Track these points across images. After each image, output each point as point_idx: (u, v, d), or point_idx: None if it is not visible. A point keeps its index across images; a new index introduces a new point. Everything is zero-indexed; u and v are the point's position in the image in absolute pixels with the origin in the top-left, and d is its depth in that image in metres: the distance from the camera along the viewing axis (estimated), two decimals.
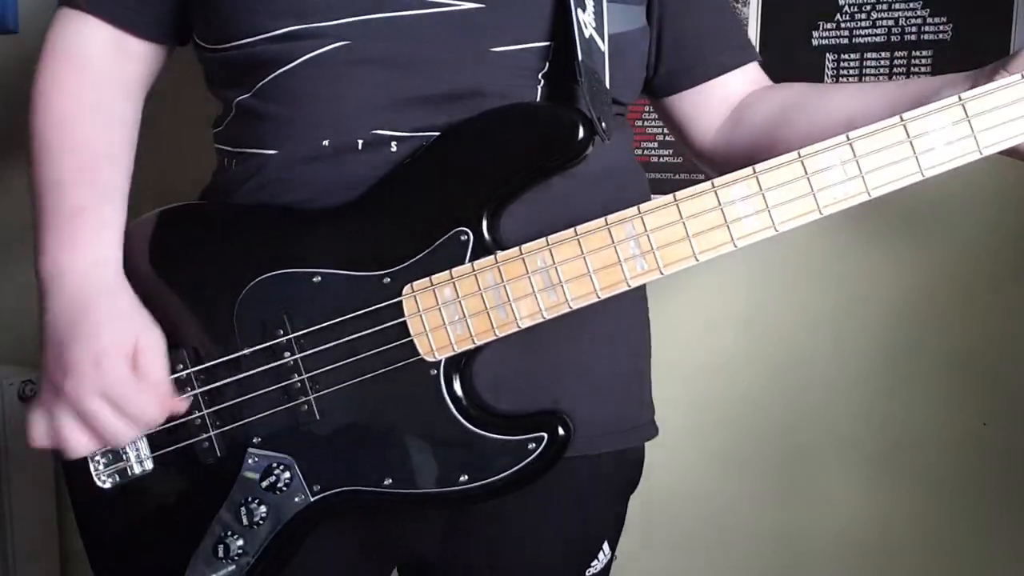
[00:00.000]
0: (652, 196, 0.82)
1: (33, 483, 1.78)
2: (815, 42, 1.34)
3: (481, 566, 0.88)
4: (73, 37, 0.87)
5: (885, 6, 1.30)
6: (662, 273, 0.75)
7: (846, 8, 1.32)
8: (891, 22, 1.30)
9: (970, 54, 1.25)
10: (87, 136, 0.86)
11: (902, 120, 0.71)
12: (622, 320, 0.91)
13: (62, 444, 0.81)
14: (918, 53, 1.29)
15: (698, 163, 1.03)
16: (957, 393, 1.36)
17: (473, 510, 0.84)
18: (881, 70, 1.31)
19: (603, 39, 0.84)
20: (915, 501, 1.41)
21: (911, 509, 1.41)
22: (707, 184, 0.74)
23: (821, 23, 1.34)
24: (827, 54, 1.34)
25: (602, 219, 0.76)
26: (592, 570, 0.92)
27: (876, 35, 1.31)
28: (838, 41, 1.33)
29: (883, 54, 1.30)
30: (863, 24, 1.31)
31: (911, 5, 1.28)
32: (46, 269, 0.83)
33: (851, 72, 1.32)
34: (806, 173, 0.73)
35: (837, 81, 1.33)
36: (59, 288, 0.82)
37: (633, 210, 0.75)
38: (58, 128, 0.85)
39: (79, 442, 0.80)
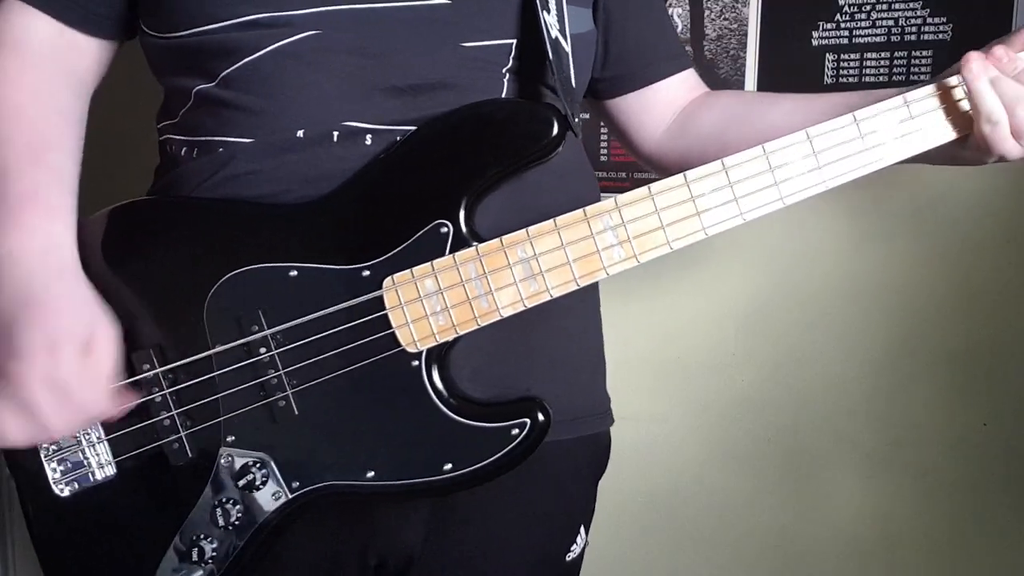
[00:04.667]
0: None
1: None
2: (815, 42, 1.35)
3: (472, 556, 0.89)
4: (18, 29, 0.85)
5: (885, 6, 1.31)
6: (638, 261, 0.79)
7: (846, 8, 1.32)
8: (891, 22, 1.31)
9: None
10: (33, 123, 0.82)
11: (855, 119, 0.78)
12: (585, 312, 0.94)
13: None
14: (918, 53, 1.30)
15: (641, 162, 1.08)
16: (957, 393, 1.37)
17: (458, 500, 0.84)
18: (881, 70, 1.31)
19: (566, 39, 0.87)
20: (915, 500, 1.42)
21: (911, 508, 1.42)
22: (680, 177, 0.78)
23: (821, 23, 1.34)
24: (827, 54, 1.34)
25: (580, 211, 0.79)
26: (571, 555, 0.94)
27: (876, 35, 1.32)
28: (838, 41, 1.34)
29: (883, 54, 1.32)
30: (863, 24, 1.32)
31: (911, 5, 1.30)
32: None
33: (851, 72, 1.33)
34: (770, 167, 0.78)
35: (837, 81, 1.35)
36: (10, 269, 0.78)
37: (610, 202, 0.79)
38: (2, 116, 0.81)
39: (12, 430, 0.76)
